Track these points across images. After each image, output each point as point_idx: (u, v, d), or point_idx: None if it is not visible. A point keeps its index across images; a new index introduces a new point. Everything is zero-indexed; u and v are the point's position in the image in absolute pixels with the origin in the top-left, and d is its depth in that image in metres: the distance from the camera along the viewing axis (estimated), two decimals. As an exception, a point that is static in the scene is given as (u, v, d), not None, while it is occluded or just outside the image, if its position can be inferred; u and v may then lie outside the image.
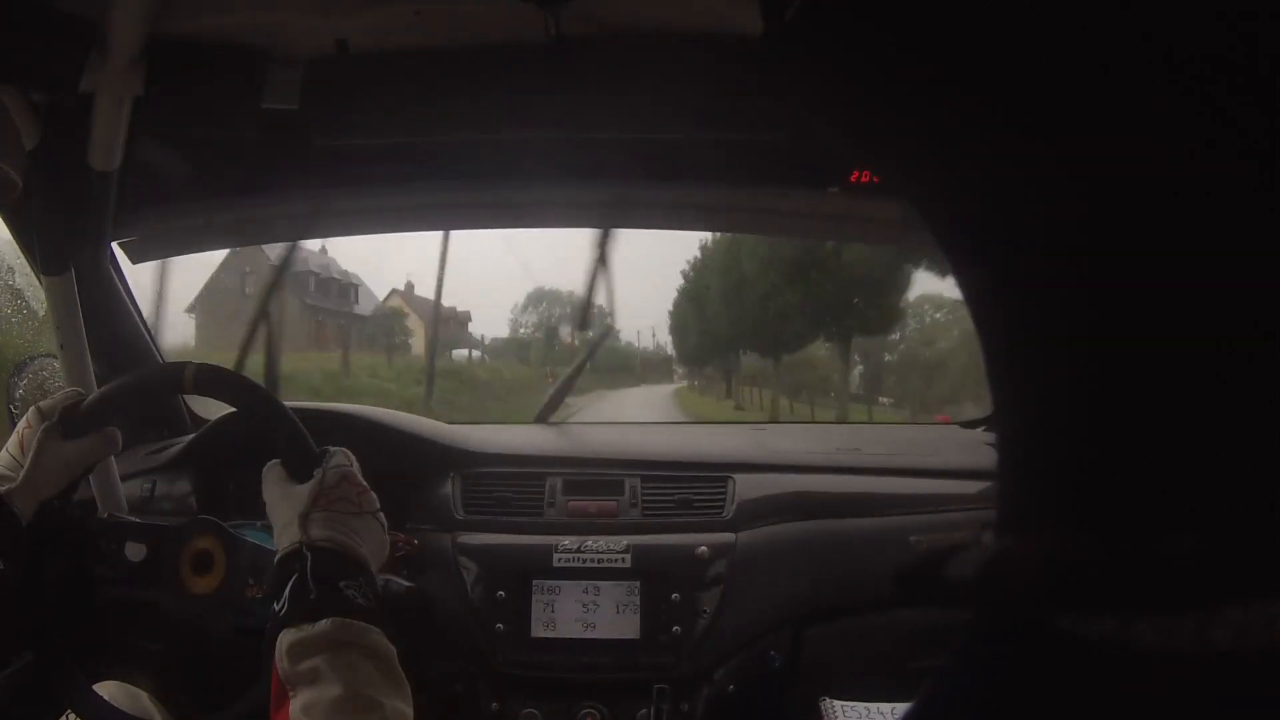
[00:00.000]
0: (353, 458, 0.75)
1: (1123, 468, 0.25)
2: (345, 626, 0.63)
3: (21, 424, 0.83)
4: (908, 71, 0.29)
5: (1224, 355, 0.23)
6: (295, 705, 0.60)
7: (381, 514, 0.74)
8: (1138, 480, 0.24)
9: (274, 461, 0.75)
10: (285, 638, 0.62)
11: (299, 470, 0.73)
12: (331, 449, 0.75)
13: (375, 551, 0.71)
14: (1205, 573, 0.23)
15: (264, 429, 0.76)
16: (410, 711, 0.63)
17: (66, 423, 0.81)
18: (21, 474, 0.79)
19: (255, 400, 0.78)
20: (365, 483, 0.74)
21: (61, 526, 0.83)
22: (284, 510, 0.71)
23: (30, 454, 0.80)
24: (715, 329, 12.49)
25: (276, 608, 0.65)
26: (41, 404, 0.83)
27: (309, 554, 0.66)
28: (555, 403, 1.47)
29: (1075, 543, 0.25)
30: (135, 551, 0.84)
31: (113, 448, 0.87)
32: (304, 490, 0.71)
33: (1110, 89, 0.24)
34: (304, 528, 0.68)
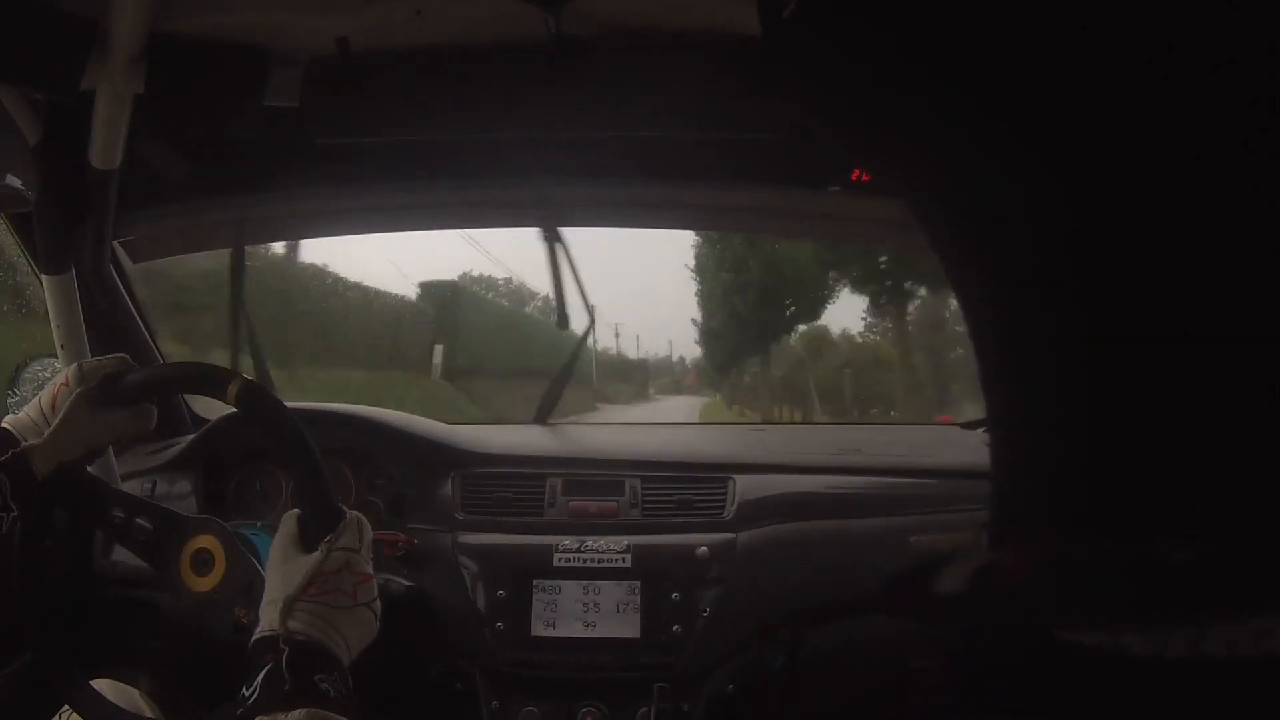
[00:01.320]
0: (366, 530, 0.72)
1: (1120, 468, 0.25)
2: (320, 717, 0.61)
3: (58, 379, 0.81)
4: (902, 71, 0.29)
5: (1221, 356, 0.23)
6: None
7: (377, 602, 0.71)
8: (1135, 480, 0.24)
9: (293, 512, 0.73)
10: None
11: (311, 529, 0.70)
12: (349, 515, 0.71)
13: (358, 641, 0.69)
14: (1200, 583, 0.23)
15: (289, 471, 0.73)
16: None
17: (105, 390, 0.80)
18: (47, 432, 0.78)
19: (289, 439, 0.75)
20: (369, 568, 0.71)
21: (74, 487, 0.82)
22: (276, 583, 0.68)
23: (60, 414, 0.78)
24: (742, 326, 11.71)
25: (246, 693, 0.63)
26: (84, 364, 0.81)
27: (285, 646, 0.64)
28: (550, 403, 1.45)
29: (1070, 549, 0.25)
30: (141, 529, 0.83)
31: (145, 426, 0.85)
32: (303, 565, 0.68)
33: (1108, 90, 0.24)
34: (285, 617, 0.66)
